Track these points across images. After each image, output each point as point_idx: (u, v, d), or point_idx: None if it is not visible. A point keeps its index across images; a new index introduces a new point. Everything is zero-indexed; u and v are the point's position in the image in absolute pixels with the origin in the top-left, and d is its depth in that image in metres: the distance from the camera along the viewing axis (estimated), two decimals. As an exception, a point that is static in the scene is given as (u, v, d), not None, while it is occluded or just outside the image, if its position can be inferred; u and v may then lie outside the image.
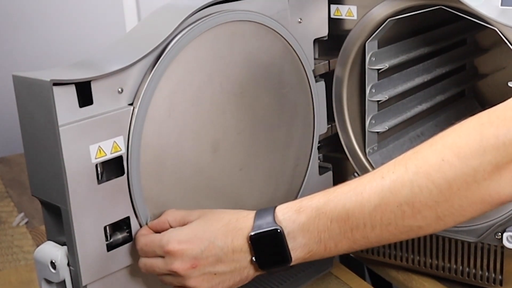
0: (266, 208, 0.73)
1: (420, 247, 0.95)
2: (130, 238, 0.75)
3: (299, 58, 0.90)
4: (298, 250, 0.71)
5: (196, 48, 0.76)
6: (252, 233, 0.71)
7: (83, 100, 0.67)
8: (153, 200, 0.76)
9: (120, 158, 0.71)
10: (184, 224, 0.74)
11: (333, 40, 0.94)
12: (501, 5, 0.78)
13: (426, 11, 0.87)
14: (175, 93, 0.75)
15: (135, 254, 0.75)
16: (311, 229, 0.70)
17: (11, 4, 1.94)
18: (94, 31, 1.99)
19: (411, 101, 1.06)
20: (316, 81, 0.93)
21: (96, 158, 0.69)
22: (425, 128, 1.12)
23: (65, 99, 0.65)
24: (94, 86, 0.68)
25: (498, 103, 0.65)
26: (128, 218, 0.74)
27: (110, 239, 0.73)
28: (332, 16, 0.94)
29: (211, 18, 0.77)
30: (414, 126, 1.10)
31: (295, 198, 0.93)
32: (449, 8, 0.85)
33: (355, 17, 0.92)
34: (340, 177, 0.99)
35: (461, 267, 0.92)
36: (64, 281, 0.71)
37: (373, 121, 0.97)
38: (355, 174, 0.98)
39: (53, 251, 0.71)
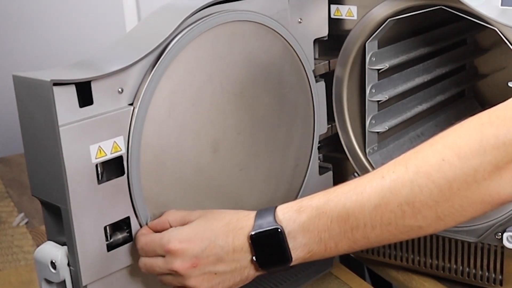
0: (266, 208, 0.73)
1: (420, 247, 0.95)
2: (130, 238, 0.75)
3: (299, 58, 0.90)
4: (298, 250, 0.71)
5: (196, 48, 0.76)
6: (253, 233, 0.71)
7: (83, 100, 0.67)
8: (153, 200, 0.76)
9: (120, 158, 0.71)
10: (184, 224, 0.74)
11: (333, 40, 0.94)
12: (501, 5, 0.78)
13: (426, 11, 0.87)
14: (175, 93, 0.75)
15: (135, 254, 0.75)
16: (311, 229, 0.70)
17: (11, 4, 1.94)
18: (94, 31, 1.99)
19: (411, 101, 1.06)
20: (316, 81, 0.93)
21: (96, 158, 0.69)
22: (425, 128, 1.12)
23: (65, 99, 0.65)
24: (94, 86, 0.68)
25: (498, 103, 0.65)
26: (128, 218, 0.74)
27: (110, 239, 0.73)
28: (332, 16, 0.94)
29: (211, 18, 0.77)
30: (414, 126, 1.10)
31: (295, 198, 0.93)
32: (449, 8, 0.85)
33: (355, 17, 0.92)
34: (340, 177, 0.99)
35: (461, 267, 0.92)
36: (64, 281, 0.71)
37: (373, 121, 0.97)
38: (355, 174, 0.98)
39: (53, 251, 0.71)
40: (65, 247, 0.71)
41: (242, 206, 0.80)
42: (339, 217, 0.69)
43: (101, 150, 0.69)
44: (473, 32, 1.16)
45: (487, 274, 0.90)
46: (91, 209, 0.70)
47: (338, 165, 1.00)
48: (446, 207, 0.65)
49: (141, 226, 0.75)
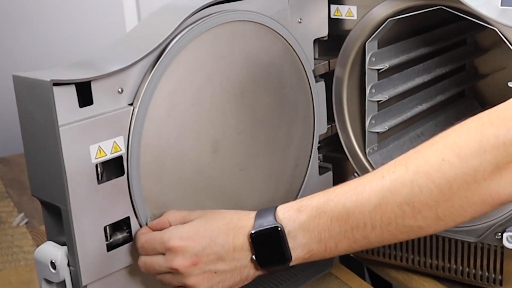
0: (267, 208, 0.73)
1: (420, 247, 0.95)
2: (130, 238, 0.75)
3: (299, 58, 0.90)
4: (298, 250, 0.71)
5: (196, 48, 0.76)
6: (253, 231, 0.71)
7: (83, 100, 0.67)
8: (153, 200, 0.76)
9: (120, 158, 0.71)
10: (184, 224, 0.74)
11: (333, 40, 0.94)
12: (501, 5, 0.78)
13: (426, 11, 0.87)
14: (175, 93, 0.75)
15: (135, 254, 0.75)
16: (311, 228, 0.70)
17: (11, 4, 1.94)
18: (94, 31, 1.99)
19: (411, 101, 1.06)
20: (316, 81, 0.93)
21: (96, 158, 0.69)
22: (425, 128, 1.12)
23: (65, 99, 0.65)
24: (94, 86, 0.68)
25: (498, 103, 0.65)
26: (128, 218, 0.74)
27: (110, 239, 0.73)
28: (332, 16, 0.94)
29: (211, 18, 0.77)
30: (414, 126, 1.10)
31: (295, 198, 0.93)
32: (449, 8, 0.85)
33: (355, 17, 0.92)
34: (340, 177, 0.99)
35: (461, 267, 0.92)
36: (64, 281, 0.71)
37: (373, 121, 0.97)
38: (355, 174, 0.98)
39: (53, 251, 0.71)
40: (65, 247, 0.71)
41: (242, 206, 0.80)
42: (339, 217, 0.69)
43: (101, 150, 0.69)
44: (473, 32, 1.16)
45: (487, 274, 0.90)
46: (91, 209, 0.70)
47: (338, 165, 1.00)
48: (446, 207, 0.65)
49: (141, 226, 0.75)
